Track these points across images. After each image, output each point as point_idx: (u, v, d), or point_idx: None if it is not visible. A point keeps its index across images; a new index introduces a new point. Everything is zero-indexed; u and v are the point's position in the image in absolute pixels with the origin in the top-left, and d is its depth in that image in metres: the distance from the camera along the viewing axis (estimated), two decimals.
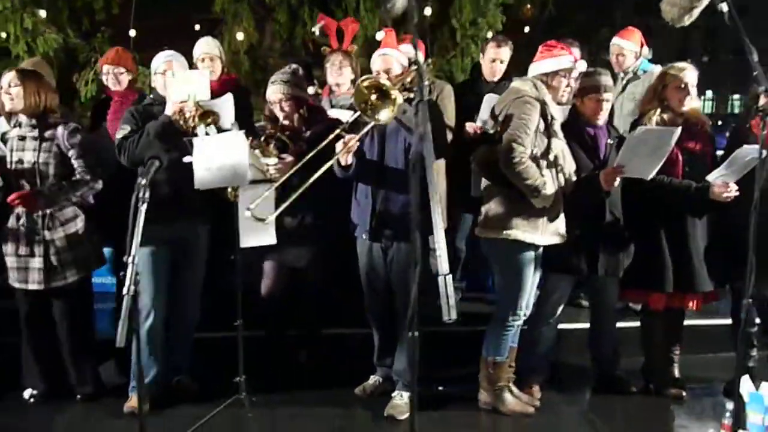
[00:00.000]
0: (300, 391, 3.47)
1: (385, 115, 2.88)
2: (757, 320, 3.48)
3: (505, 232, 3.06)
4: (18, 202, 3.09)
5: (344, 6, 6.10)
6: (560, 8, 7.03)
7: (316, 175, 2.87)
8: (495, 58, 4.06)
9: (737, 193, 3.22)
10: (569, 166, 3.14)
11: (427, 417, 3.27)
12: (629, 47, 4.25)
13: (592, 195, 3.13)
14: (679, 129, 3.02)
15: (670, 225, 3.35)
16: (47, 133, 3.19)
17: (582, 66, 3.10)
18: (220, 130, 3.06)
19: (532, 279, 3.18)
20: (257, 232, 2.93)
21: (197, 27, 6.40)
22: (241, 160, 2.80)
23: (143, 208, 2.30)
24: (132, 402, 3.23)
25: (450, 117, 3.93)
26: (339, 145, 2.99)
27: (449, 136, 3.93)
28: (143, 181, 2.34)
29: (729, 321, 3.67)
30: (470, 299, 4.47)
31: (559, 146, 3.09)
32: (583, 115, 3.32)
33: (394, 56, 3.20)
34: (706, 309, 3.97)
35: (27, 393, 3.35)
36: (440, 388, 3.57)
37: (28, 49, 5.18)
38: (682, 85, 3.29)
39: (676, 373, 3.62)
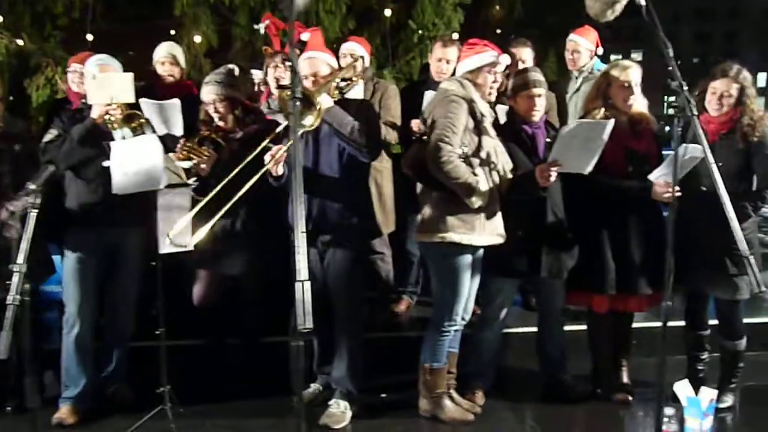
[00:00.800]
0: (236, 401, 3.37)
1: (309, 120, 2.82)
2: (714, 322, 3.49)
3: (439, 234, 2.98)
4: None
5: (306, 12, 6.03)
6: (529, 10, 6.96)
7: (237, 195, 2.80)
8: (442, 58, 3.99)
9: (679, 194, 3.14)
10: (504, 163, 3.06)
11: (364, 425, 3.22)
12: (585, 45, 4.18)
13: (529, 192, 3.04)
14: (612, 121, 2.94)
15: (612, 226, 3.27)
16: None
17: (505, 60, 3.04)
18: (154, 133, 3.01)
19: (469, 283, 3.10)
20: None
21: None
22: (155, 164, 2.73)
23: (33, 214, 2.21)
24: (61, 413, 3.14)
25: (395, 116, 3.89)
26: (267, 157, 2.90)
27: (394, 135, 3.88)
28: (33, 186, 2.26)
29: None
30: (424, 303, 4.39)
31: (491, 144, 3.01)
32: (519, 114, 3.25)
33: (320, 58, 3.11)
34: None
35: None
36: (383, 395, 3.49)
37: None
38: (627, 84, 3.22)
39: (625, 377, 3.54)
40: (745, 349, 3.37)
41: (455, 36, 6.44)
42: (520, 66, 4.19)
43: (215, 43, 6.10)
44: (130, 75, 3.04)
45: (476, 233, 2.99)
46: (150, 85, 3.95)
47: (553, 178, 2.97)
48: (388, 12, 5.67)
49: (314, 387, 3.39)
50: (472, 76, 3.04)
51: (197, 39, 5.81)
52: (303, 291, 1.60)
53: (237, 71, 3.43)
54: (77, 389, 3.19)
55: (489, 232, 3.03)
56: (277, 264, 3.37)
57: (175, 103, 3.36)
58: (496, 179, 3.03)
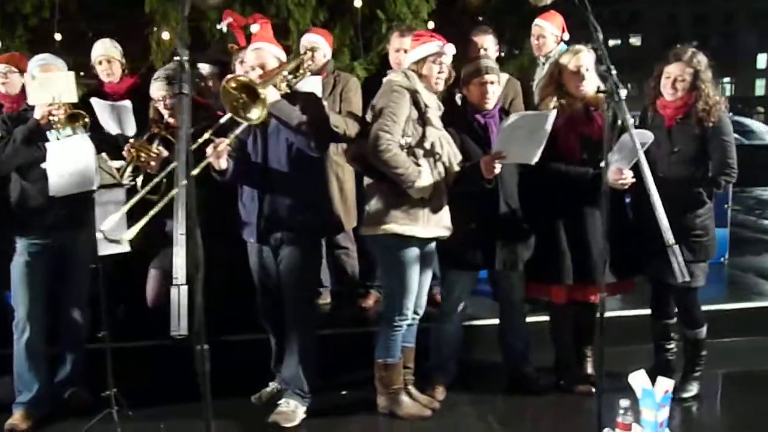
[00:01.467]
0: (193, 402, 3.32)
1: (255, 113, 2.75)
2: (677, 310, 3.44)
3: (382, 227, 2.93)
4: None
5: (276, 2, 5.96)
6: None
7: (173, 192, 2.74)
8: (399, 48, 3.91)
9: (633, 180, 3.08)
10: (450, 154, 3.00)
11: (321, 423, 3.17)
12: (550, 30, 4.09)
13: (475, 184, 2.97)
14: (554, 112, 2.88)
15: (568, 214, 3.21)
16: None
17: (450, 50, 2.97)
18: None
19: (419, 276, 3.05)
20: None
21: None
22: (88, 164, 2.68)
23: None
24: (14, 419, 3.11)
25: (356, 109, 3.82)
26: (209, 150, 2.84)
27: (355, 128, 3.82)
28: None
29: None
30: None
31: (436, 134, 2.95)
32: (472, 104, 3.19)
33: (267, 50, 3.05)
34: (632, 300, 3.90)
35: None
36: (343, 392, 3.44)
37: None
38: (578, 69, 3.15)
39: (589, 368, 3.50)
40: (706, 337, 3.32)
41: (431, 25, 6.41)
42: (482, 54, 4.14)
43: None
44: (72, 74, 2.99)
45: (420, 225, 2.93)
46: (98, 86, 3.91)
47: (497, 170, 2.90)
48: (358, 3, 5.58)
49: (273, 386, 3.35)
50: (417, 67, 2.98)
51: (166, 36, 5.75)
52: (179, 296, 1.54)
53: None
54: (30, 394, 3.15)
55: (434, 224, 2.97)
56: (230, 264, 3.37)
57: (126, 104, 3.34)
58: (442, 171, 2.97)
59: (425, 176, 2.91)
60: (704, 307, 4.21)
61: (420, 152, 2.92)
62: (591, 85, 3.19)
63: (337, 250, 4.09)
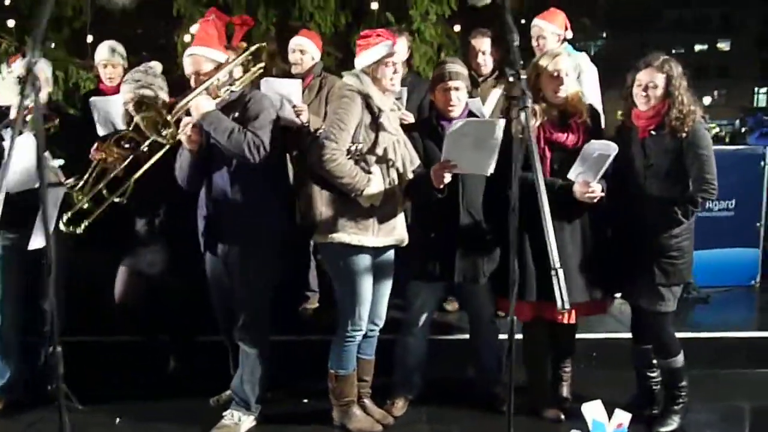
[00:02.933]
0: (153, 400, 3.36)
1: (168, 132, 2.79)
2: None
3: (330, 235, 2.85)
4: None
5: (299, 5, 5.99)
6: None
7: (126, 184, 2.79)
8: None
9: (602, 194, 2.87)
10: (406, 159, 2.89)
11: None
12: (551, 29, 3.88)
13: (425, 193, 2.84)
14: (503, 121, 2.70)
15: (534, 227, 3.01)
16: None
17: (401, 48, 2.85)
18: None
19: (376, 286, 2.95)
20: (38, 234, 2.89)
21: None
22: (31, 163, 2.75)
23: None
24: None
25: None
26: (181, 126, 2.83)
27: None
28: None
29: None
30: None
31: (389, 139, 2.85)
32: (437, 109, 3.06)
33: (202, 54, 2.95)
34: (622, 322, 3.65)
35: None
36: (305, 400, 3.38)
37: None
38: (556, 74, 2.96)
39: (565, 391, 3.30)
40: (683, 366, 3.04)
41: (457, 28, 6.27)
42: (480, 57, 4.00)
43: None
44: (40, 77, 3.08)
45: (369, 234, 2.83)
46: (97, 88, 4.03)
47: (447, 179, 2.76)
48: (374, 5, 5.53)
49: (229, 393, 3.32)
50: (369, 70, 2.87)
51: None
52: None
53: (159, 68, 3.42)
54: (2, 380, 3.29)
55: (385, 233, 2.87)
56: (194, 264, 3.37)
57: (116, 100, 3.40)
58: (395, 177, 2.87)
59: (375, 183, 2.81)
60: (733, 334, 3.97)
61: (372, 158, 2.83)
62: (569, 90, 3.00)
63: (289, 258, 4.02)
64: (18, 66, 3.32)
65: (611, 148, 2.75)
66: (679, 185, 2.88)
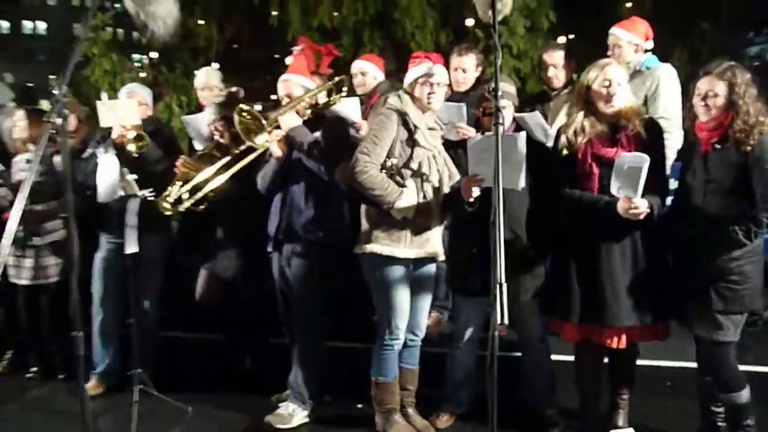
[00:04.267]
0: (221, 393, 3.66)
1: (261, 139, 3.06)
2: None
3: (366, 246, 2.97)
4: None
5: (402, 28, 6.21)
6: (658, 4, 6.26)
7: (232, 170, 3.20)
8: (457, 67, 3.92)
9: (647, 210, 2.70)
10: (443, 176, 2.95)
11: (314, 429, 3.29)
12: (627, 38, 3.70)
13: (458, 207, 2.86)
14: (523, 134, 2.64)
15: (581, 246, 2.91)
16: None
17: (440, 72, 2.90)
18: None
19: (414, 298, 3.02)
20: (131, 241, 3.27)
21: None
22: (114, 178, 3.18)
23: None
24: (88, 385, 3.73)
25: None
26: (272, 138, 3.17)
27: None
28: None
29: None
30: None
31: (424, 155, 2.92)
32: (483, 126, 3.07)
33: (293, 81, 3.33)
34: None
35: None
36: (359, 406, 3.49)
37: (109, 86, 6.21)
38: (606, 83, 2.85)
39: (620, 420, 3.11)
40: (749, 403, 2.74)
41: (562, 39, 6.13)
42: (551, 71, 3.92)
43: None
44: (135, 101, 3.54)
45: (401, 245, 2.91)
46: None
47: (475, 193, 2.76)
48: (470, 22, 5.58)
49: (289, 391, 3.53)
50: (410, 89, 2.98)
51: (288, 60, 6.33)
52: None
53: (241, 93, 3.78)
54: (102, 367, 3.79)
55: (417, 245, 2.93)
56: (267, 269, 3.64)
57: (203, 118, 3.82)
58: (429, 191, 2.93)
59: (409, 196, 2.89)
60: None
61: (407, 173, 2.92)
62: (621, 101, 2.87)
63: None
64: (123, 93, 3.83)
65: (642, 160, 2.59)
66: (744, 203, 2.62)
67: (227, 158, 3.36)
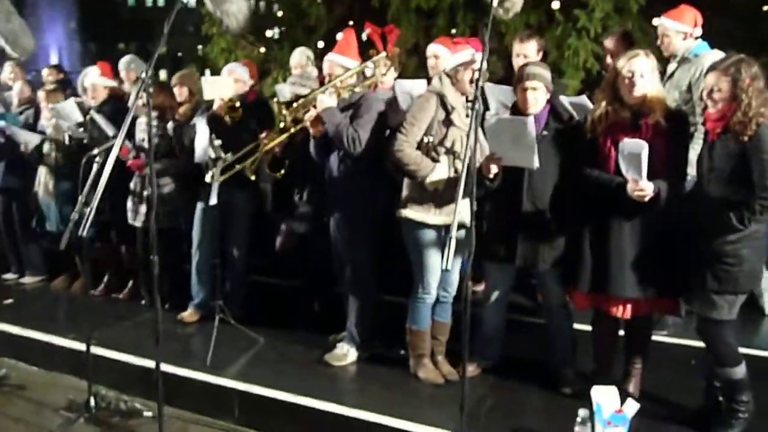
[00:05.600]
0: (290, 330, 4.29)
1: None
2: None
3: (402, 211, 3.41)
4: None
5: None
6: None
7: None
8: (519, 53, 4.16)
9: (651, 193, 2.92)
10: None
11: (361, 368, 3.83)
12: (675, 27, 3.82)
13: (480, 184, 3.21)
14: (531, 118, 2.93)
15: (594, 221, 3.17)
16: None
17: (479, 58, 3.22)
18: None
19: (440, 258, 3.42)
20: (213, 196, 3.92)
21: None
22: (206, 143, 3.85)
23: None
24: (185, 314, 4.54)
25: None
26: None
27: None
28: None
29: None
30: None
31: (458, 134, 3.29)
32: (517, 107, 3.38)
33: (335, 61, 3.76)
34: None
35: None
36: (402, 352, 3.96)
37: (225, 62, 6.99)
38: (630, 74, 3.07)
39: (631, 387, 3.35)
40: (745, 378, 2.90)
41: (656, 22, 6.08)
42: (609, 59, 4.09)
43: (422, 41, 6.91)
44: (232, 78, 4.20)
45: (431, 213, 3.32)
46: None
47: (493, 170, 3.10)
48: (555, 4, 5.70)
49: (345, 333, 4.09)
50: (452, 72, 3.35)
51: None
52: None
53: (314, 73, 4.33)
54: (197, 300, 4.56)
55: (445, 214, 3.32)
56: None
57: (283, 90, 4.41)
58: (459, 167, 3.29)
59: (440, 171, 3.29)
60: None
61: (441, 150, 3.31)
62: (644, 90, 3.07)
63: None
64: (226, 69, 4.51)
65: (640, 146, 2.80)
66: (742, 190, 2.78)
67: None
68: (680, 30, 3.79)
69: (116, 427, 3.43)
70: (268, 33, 7.73)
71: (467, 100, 3.22)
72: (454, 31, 6.87)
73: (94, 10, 32.53)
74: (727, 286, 2.82)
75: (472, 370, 3.65)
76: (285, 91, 4.24)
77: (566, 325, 3.50)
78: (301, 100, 3.65)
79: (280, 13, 8.60)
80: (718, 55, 3.77)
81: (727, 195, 2.81)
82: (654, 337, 3.77)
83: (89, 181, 3.42)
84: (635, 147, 2.82)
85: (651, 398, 3.32)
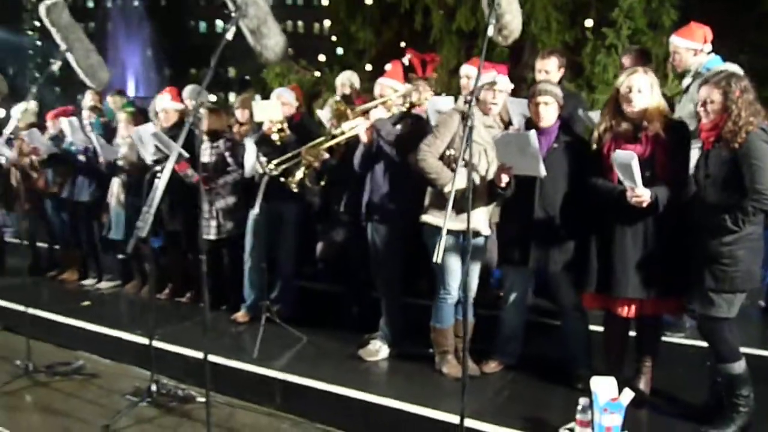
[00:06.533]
0: (331, 329, 4.68)
1: (347, 125, 4.01)
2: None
3: (422, 217, 3.76)
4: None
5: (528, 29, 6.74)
6: None
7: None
8: (540, 69, 4.42)
9: (649, 200, 3.15)
10: (491, 166, 3.61)
11: (391, 363, 4.17)
12: (684, 45, 4.03)
13: (495, 191, 3.52)
14: (533, 132, 3.22)
15: (600, 226, 3.41)
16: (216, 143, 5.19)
17: (502, 80, 3.55)
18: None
19: (459, 262, 3.73)
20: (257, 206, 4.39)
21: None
22: (253, 159, 4.33)
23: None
24: (238, 314, 5.01)
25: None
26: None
27: None
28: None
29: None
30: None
31: (477, 149, 3.61)
32: (530, 120, 3.68)
33: (385, 84, 4.24)
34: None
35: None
36: (430, 350, 4.26)
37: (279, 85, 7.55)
38: (627, 90, 3.31)
39: (642, 384, 3.54)
40: (744, 373, 3.07)
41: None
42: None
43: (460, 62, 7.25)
44: (279, 102, 4.67)
45: (447, 219, 3.63)
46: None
47: (504, 179, 3.40)
48: (589, 22, 5.93)
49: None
50: (476, 93, 3.67)
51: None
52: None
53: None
54: (249, 302, 5.02)
55: (461, 220, 3.58)
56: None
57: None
58: (476, 178, 3.62)
59: (459, 181, 3.60)
60: None
61: (461, 162, 3.63)
62: (642, 104, 3.29)
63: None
64: (275, 94, 4.99)
65: (629, 157, 3.04)
66: (735, 195, 2.97)
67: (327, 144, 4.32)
68: (690, 47, 4.00)
69: (173, 411, 3.89)
70: (321, 57, 8.26)
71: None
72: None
73: (168, 39, 34.62)
74: (724, 285, 3.01)
75: (494, 366, 3.94)
76: (325, 115, 4.69)
77: (580, 325, 3.73)
78: (354, 111, 4.07)
79: (333, 38, 9.16)
80: (730, 68, 3.95)
81: (722, 199, 3.01)
82: (671, 339, 3.96)
83: (151, 193, 3.91)
84: (625, 158, 3.07)
85: (661, 395, 3.52)
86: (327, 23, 9.30)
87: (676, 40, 4.06)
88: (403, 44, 8.30)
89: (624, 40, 5.77)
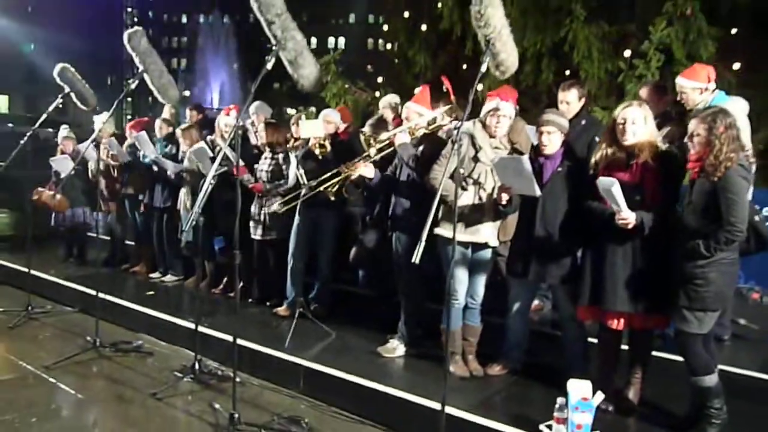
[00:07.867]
0: (358, 328, 5.15)
1: (372, 151, 4.50)
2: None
3: (435, 229, 4.15)
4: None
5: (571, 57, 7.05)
6: None
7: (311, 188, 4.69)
8: (562, 100, 4.74)
9: (634, 222, 3.44)
10: (496, 184, 3.99)
11: (406, 360, 4.58)
12: (689, 85, 4.31)
13: (498, 209, 3.89)
14: (526, 157, 3.57)
15: (593, 244, 3.72)
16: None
17: (505, 107, 3.94)
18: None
19: (467, 271, 4.11)
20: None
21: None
22: (294, 172, 4.88)
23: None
24: (280, 309, 5.56)
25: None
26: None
27: None
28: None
29: None
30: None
31: (483, 169, 4.00)
32: (536, 147, 4.03)
33: (412, 108, 4.63)
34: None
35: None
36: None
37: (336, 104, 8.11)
38: (622, 121, 3.61)
39: (631, 394, 3.79)
40: (716, 387, 3.30)
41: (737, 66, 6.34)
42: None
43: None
44: (322, 121, 5.21)
45: (457, 232, 4.01)
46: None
47: (504, 198, 3.77)
48: (627, 53, 6.16)
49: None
50: (483, 118, 4.08)
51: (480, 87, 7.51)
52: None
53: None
54: (290, 298, 5.56)
55: (469, 233, 4.02)
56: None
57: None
58: (483, 196, 4.01)
59: (466, 198, 4.01)
60: None
61: (470, 180, 4.04)
62: (635, 135, 3.58)
63: (497, 256, 5.20)
64: (322, 114, 5.55)
65: (610, 183, 3.33)
66: (713, 225, 3.22)
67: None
68: (696, 86, 4.26)
69: (212, 387, 4.45)
70: (379, 79, 8.80)
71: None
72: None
73: (253, 53, 36.38)
74: (696, 304, 3.27)
75: (498, 369, 4.29)
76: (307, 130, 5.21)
77: (577, 335, 4.03)
78: (385, 135, 4.55)
79: (396, 61, 9.70)
80: (734, 101, 4.18)
81: (700, 226, 3.27)
82: (667, 355, 4.17)
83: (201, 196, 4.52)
84: (607, 184, 3.37)
85: (649, 405, 3.76)
86: (389, 45, 9.83)
87: (682, 81, 4.33)
88: (464, 66, 8.72)
89: (654, 71, 5.98)
